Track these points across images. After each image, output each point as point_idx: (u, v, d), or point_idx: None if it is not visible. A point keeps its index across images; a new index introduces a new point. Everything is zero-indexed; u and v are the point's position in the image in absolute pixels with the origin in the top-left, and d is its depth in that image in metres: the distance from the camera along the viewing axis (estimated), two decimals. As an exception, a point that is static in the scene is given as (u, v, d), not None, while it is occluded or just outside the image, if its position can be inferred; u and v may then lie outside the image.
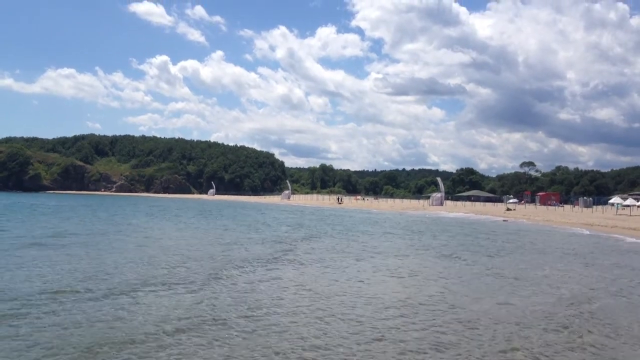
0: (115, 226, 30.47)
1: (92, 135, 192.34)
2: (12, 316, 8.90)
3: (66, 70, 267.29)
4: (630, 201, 61.07)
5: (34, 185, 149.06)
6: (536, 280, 14.34)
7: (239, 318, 9.29)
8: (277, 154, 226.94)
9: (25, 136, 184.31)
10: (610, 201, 68.95)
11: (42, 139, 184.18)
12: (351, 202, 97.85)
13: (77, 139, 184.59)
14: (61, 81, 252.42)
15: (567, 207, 77.95)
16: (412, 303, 10.92)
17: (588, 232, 34.83)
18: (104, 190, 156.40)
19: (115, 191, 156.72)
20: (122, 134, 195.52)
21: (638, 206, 57.23)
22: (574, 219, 47.49)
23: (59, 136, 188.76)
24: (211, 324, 8.82)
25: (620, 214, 54.68)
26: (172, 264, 15.21)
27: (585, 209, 67.75)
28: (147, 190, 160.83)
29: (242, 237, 24.78)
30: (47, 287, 11.36)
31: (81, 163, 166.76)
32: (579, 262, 18.52)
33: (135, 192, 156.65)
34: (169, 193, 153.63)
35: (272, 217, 45.57)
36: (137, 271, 13.91)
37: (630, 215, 51.73)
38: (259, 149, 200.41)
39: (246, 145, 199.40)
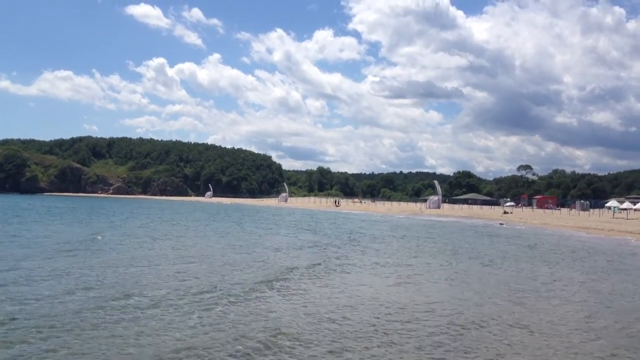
0: (142, 229, 30.48)
1: (89, 137, 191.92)
2: (75, 325, 8.72)
3: (63, 73, 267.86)
4: (626, 204, 61.16)
5: (30, 187, 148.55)
6: (601, 290, 14.11)
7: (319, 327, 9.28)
8: (275, 156, 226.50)
9: (22, 138, 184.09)
10: (607, 205, 69.11)
11: (39, 141, 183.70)
12: (348, 205, 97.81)
13: (74, 141, 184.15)
14: (58, 83, 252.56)
15: (564, 210, 78.11)
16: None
17: (588, 235, 34.94)
18: (101, 193, 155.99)
19: (112, 193, 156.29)
20: (119, 136, 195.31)
21: (635, 209, 57.32)
22: (571, 222, 47.61)
23: (56, 138, 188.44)
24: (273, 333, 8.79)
25: (616, 217, 54.85)
26: (231, 272, 14.94)
27: (582, 212, 67.91)
28: (144, 193, 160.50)
29: (278, 242, 24.82)
30: (125, 291, 11.12)
31: (78, 165, 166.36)
32: (613, 268, 18.63)
33: (132, 194, 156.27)
34: (166, 195, 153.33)
35: (288, 222, 45.15)
36: (198, 279, 13.65)
37: (627, 219, 51.88)
38: (256, 151, 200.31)
39: (243, 148, 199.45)
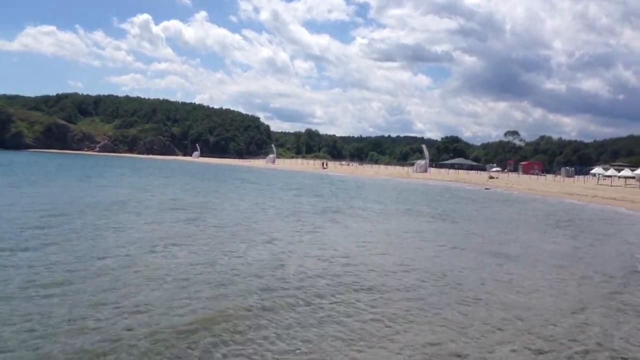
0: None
1: (76, 94, 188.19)
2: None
3: (46, 28, 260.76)
4: (611, 172, 61.96)
5: (16, 144, 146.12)
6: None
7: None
8: (262, 117, 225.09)
9: (7, 94, 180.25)
10: (592, 171, 69.98)
11: (24, 97, 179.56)
12: (336, 168, 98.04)
13: (60, 97, 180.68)
14: (41, 38, 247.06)
15: (550, 176, 78.98)
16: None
17: (579, 203, 35.44)
18: (87, 150, 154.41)
19: (99, 151, 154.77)
20: (105, 93, 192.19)
21: (619, 177, 58.11)
22: (555, 188, 48.18)
23: (41, 94, 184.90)
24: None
25: (601, 184, 55.59)
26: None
27: (567, 179, 68.72)
28: (131, 151, 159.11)
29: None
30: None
31: (64, 122, 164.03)
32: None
33: (119, 152, 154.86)
34: (152, 154, 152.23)
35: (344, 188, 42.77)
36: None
37: (611, 186, 52.62)
38: (244, 112, 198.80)
39: (231, 108, 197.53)
